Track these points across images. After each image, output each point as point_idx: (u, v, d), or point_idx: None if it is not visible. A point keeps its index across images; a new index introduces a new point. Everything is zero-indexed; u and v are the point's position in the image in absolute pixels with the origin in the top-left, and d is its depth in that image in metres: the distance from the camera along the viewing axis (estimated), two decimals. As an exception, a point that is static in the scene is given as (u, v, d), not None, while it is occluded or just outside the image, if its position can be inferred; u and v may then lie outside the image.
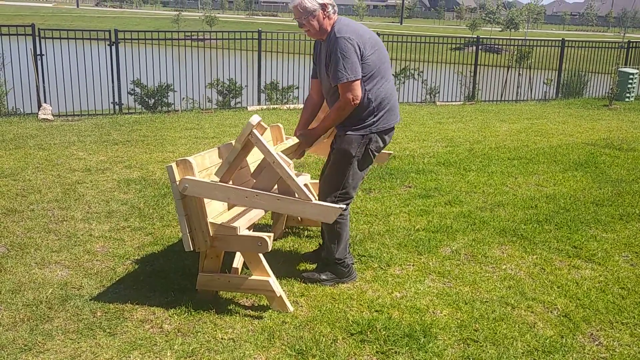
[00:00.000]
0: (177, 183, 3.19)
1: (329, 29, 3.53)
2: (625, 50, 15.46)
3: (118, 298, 3.56)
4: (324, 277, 3.78)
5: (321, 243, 4.16)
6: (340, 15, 3.61)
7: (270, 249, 3.30)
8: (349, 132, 3.58)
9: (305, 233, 4.74)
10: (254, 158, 3.90)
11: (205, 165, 3.43)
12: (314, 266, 3.99)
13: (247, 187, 3.34)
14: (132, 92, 11.98)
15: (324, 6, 3.49)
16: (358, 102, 3.48)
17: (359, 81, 3.45)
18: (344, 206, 3.32)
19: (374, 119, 3.58)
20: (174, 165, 3.21)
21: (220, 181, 3.24)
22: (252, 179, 3.51)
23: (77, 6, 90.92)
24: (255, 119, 3.15)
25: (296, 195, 3.15)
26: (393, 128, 3.72)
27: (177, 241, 4.44)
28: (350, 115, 3.55)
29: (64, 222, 4.79)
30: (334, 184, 3.66)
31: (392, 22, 73.86)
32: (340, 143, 3.62)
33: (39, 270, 3.89)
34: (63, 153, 7.10)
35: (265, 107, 11.84)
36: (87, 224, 4.77)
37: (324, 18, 3.50)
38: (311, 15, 3.48)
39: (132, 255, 4.19)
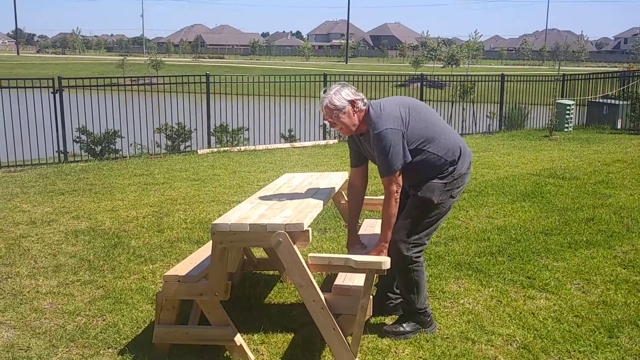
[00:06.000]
0: (279, 232, 3.02)
1: (360, 121, 3.50)
2: (561, 82, 16.19)
3: (69, 358, 3.40)
4: (408, 328, 3.63)
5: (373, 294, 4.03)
6: (371, 101, 3.56)
7: (228, 297, 3.24)
8: (431, 181, 3.52)
9: (262, 278, 4.68)
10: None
11: None
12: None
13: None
14: (77, 139, 11.75)
15: (352, 102, 3.46)
16: (401, 189, 3.48)
17: (399, 170, 3.43)
18: None
19: (453, 167, 3.54)
20: (304, 229, 3.04)
21: (309, 266, 3.12)
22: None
23: (18, 53, 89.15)
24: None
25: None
26: (469, 167, 3.66)
27: (129, 293, 4.30)
28: (428, 172, 3.51)
29: (9, 279, 4.57)
30: (410, 230, 3.55)
31: (338, 62, 75.32)
32: (421, 190, 3.53)
33: (-17, 333, 3.69)
34: (5, 206, 6.83)
35: (215, 149, 11.77)
36: (33, 280, 4.57)
37: (354, 113, 3.47)
38: (341, 112, 3.44)
39: (82, 311, 4.02)
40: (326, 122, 3.54)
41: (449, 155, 3.53)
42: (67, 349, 3.50)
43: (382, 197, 4.57)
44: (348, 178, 4.48)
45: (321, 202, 3.56)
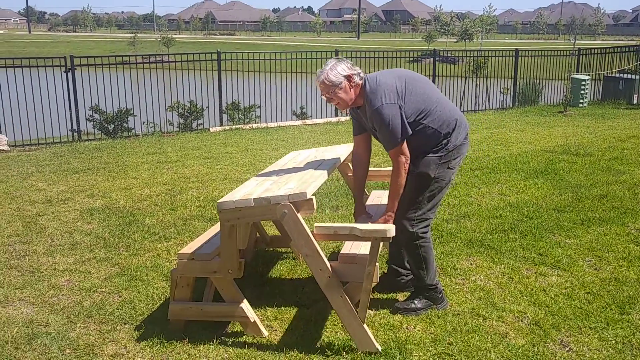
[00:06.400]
0: (283, 203, 3.07)
1: (356, 96, 3.51)
2: (576, 57, 15.96)
3: (87, 333, 3.47)
4: (419, 305, 3.67)
5: (385, 271, 4.09)
6: (368, 74, 3.56)
7: (242, 275, 3.28)
8: (426, 156, 3.55)
9: (275, 255, 4.72)
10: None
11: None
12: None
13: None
14: (90, 118, 11.81)
15: (349, 77, 3.46)
16: (409, 159, 3.49)
17: (405, 142, 3.45)
18: (380, 348, 3.22)
19: (448, 139, 3.56)
20: (308, 197, 3.07)
21: (315, 236, 3.17)
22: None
23: (29, 32, 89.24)
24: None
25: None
26: (467, 137, 3.68)
27: (145, 270, 4.37)
28: (424, 146, 3.53)
29: (27, 257, 4.66)
30: (414, 207, 3.59)
31: (350, 37, 74.66)
32: (417, 166, 3.56)
33: (3, 309, 3.78)
34: (22, 185, 6.92)
35: (227, 127, 11.79)
36: (50, 257, 4.66)
37: (350, 88, 3.48)
38: (337, 87, 3.45)
39: (99, 288, 4.10)
40: (323, 97, 3.55)
41: (443, 127, 3.54)
42: (85, 325, 3.58)
43: (389, 168, 4.61)
44: None
45: (325, 171, 3.59)
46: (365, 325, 3.18)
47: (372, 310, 3.69)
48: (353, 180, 3.98)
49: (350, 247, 3.43)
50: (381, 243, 3.11)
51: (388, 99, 3.42)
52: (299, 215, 3.08)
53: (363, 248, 3.33)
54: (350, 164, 4.50)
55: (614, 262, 4.42)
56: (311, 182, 3.28)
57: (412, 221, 3.59)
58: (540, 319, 3.57)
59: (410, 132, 3.46)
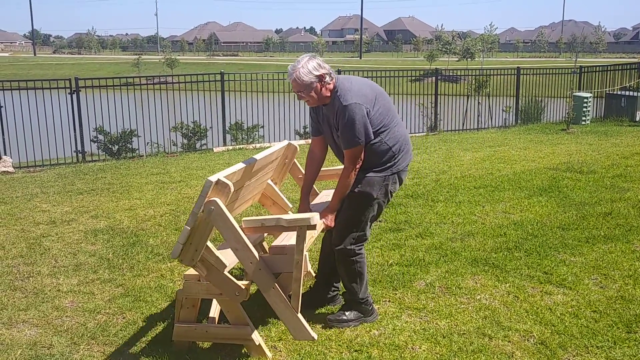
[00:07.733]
0: (206, 200, 3.11)
1: (328, 95, 3.55)
2: (578, 75, 16.01)
3: (91, 355, 3.46)
4: (351, 316, 3.74)
5: (312, 285, 4.16)
6: (339, 75, 3.63)
7: (247, 298, 3.27)
8: (369, 174, 3.61)
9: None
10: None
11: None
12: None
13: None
14: (95, 139, 11.89)
15: (321, 77, 3.50)
16: (361, 164, 3.56)
17: (363, 145, 3.52)
18: (315, 337, 3.37)
19: (394, 161, 3.65)
20: (213, 181, 3.12)
21: (244, 230, 3.20)
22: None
23: (35, 54, 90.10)
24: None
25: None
26: (407, 166, 3.77)
27: (148, 291, 4.36)
28: (370, 162, 3.60)
29: (30, 278, 4.66)
30: (353, 226, 3.65)
31: (352, 57, 75.17)
32: (360, 185, 3.62)
33: (7, 331, 3.77)
34: (26, 206, 6.94)
35: (231, 147, 11.84)
36: (54, 278, 4.65)
37: (321, 88, 3.52)
38: (309, 88, 3.50)
39: (103, 309, 4.09)
40: (294, 92, 3.59)
41: (395, 147, 3.63)
42: (89, 347, 3.56)
43: (335, 167, 4.60)
44: (295, 145, 4.49)
45: (244, 162, 3.61)
46: (299, 314, 3.26)
47: (376, 330, 3.68)
48: (304, 178, 4.02)
49: (282, 240, 3.52)
50: (310, 233, 3.21)
51: (360, 100, 3.49)
52: (224, 210, 3.11)
53: (293, 239, 3.38)
54: (299, 165, 4.52)
55: (620, 280, 4.39)
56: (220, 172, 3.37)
57: (353, 239, 3.66)
58: (547, 338, 3.54)
59: (372, 138, 3.53)
